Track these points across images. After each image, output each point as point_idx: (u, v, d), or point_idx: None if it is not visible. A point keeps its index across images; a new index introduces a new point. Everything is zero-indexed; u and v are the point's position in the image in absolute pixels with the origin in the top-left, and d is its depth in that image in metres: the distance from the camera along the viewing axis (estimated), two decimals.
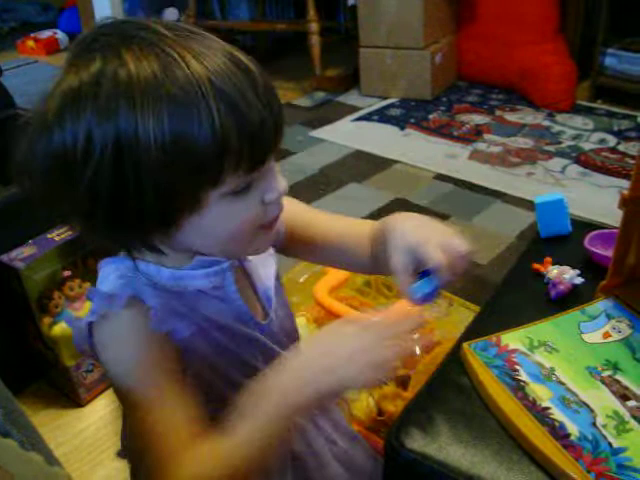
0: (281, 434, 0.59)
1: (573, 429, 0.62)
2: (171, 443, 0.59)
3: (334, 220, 0.83)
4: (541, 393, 0.66)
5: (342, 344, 0.61)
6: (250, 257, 0.73)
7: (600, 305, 0.78)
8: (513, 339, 0.74)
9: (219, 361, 0.66)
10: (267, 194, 0.62)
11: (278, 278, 0.78)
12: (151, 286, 0.63)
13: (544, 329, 0.75)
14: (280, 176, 0.64)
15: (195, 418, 0.60)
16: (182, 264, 0.65)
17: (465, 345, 0.75)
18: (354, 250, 0.80)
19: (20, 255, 1.22)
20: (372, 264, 0.79)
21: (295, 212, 0.78)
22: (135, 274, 0.64)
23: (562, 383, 0.67)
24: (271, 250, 0.76)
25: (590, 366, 0.69)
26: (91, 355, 0.65)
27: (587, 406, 0.65)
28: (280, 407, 0.58)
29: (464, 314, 1.39)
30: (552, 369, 0.69)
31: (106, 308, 0.61)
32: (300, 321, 1.25)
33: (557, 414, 0.64)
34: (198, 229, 0.60)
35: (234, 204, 0.59)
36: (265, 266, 0.76)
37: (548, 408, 0.65)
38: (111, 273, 0.65)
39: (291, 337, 0.79)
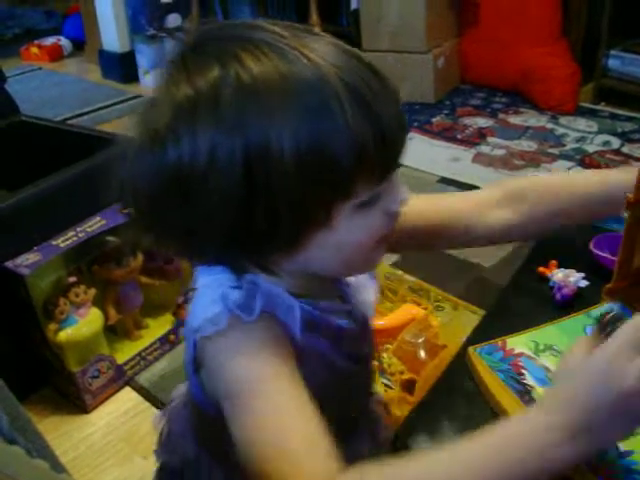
0: None
1: None
2: (313, 456, 0.49)
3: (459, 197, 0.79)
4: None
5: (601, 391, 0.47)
6: (350, 285, 0.68)
7: (605, 308, 0.78)
8: (519, 343, 0.74)
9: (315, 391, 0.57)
10: (393, 205, 0.57)
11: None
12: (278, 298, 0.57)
13: (550, 333, 0.75)
14: (401, 184, 0.58)
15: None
16: (291, 287, 0.58)
17: (471, 349, 0.75)
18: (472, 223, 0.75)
19: (25, 262, 1.23)
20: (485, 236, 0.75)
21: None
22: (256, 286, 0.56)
23: None
24: (371, 272, 0.70)
25: None
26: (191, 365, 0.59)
27: None
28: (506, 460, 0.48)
29: (469, 317, 1.39)
30: None
31: (242, 315, 0.54)
32: None
33: None
34: (323, 246, 0.55)
35: (362, 217, 0.55)
36: (365, 291, 0.69)
37: None
38: (224, 283, 0.57)
39: (373, 377, 0.76)
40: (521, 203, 0.74)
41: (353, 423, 0.76)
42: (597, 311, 0.77)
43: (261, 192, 0.50)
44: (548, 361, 0.71)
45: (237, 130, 0.49)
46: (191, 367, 0.62)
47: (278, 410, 0.52)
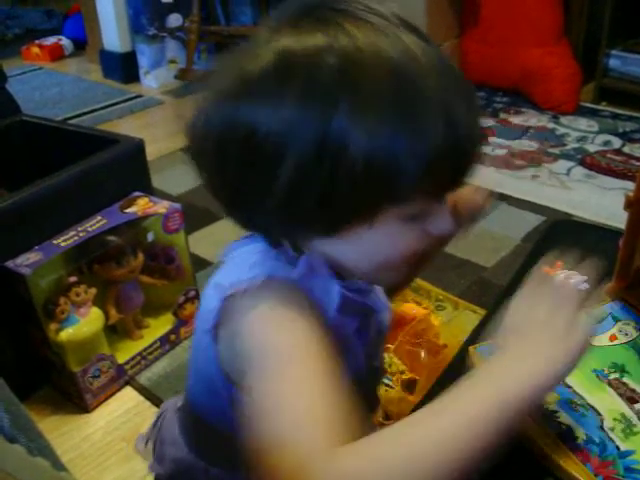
0: (490, 434, 0.45)
1: (580, 432, 0.62)
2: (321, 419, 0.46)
3: None
4: (548, 397, 0.66)
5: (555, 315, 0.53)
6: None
7: (606, 308, 0.78)
8: None
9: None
10: (436, 228, 0.55)
11: None
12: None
13: None
14: (449, 214, 0.57)
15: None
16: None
17: (471, 348, 0.75)
18: None
19: (26, 261, 1.23)
20: None
21: None
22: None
23: (569, 386, 0.67)
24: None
25: (597, 369, 0.69)
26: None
27: (594, 409, 0.64)
28: (492, 397, 0.48)
29: (469, 317, 1.39)
30: None
31: (281, 275, 0.54)
32: None
33: (564, 417, 0.64)
34: (358, 244, 0.54)
35: (405, 228, 0.54)
36: (384, 303, 0.69)
37: (555, 412, 0.64)
38: (262, 251, 0.57)
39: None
40: None
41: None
42: (597, 310, 0.77)
43: (323, 174, 0.49)
44: None
45: (323, 116, 0.47)
46: (210, 335, 0.58)
47: (301, 382, 0.49)
